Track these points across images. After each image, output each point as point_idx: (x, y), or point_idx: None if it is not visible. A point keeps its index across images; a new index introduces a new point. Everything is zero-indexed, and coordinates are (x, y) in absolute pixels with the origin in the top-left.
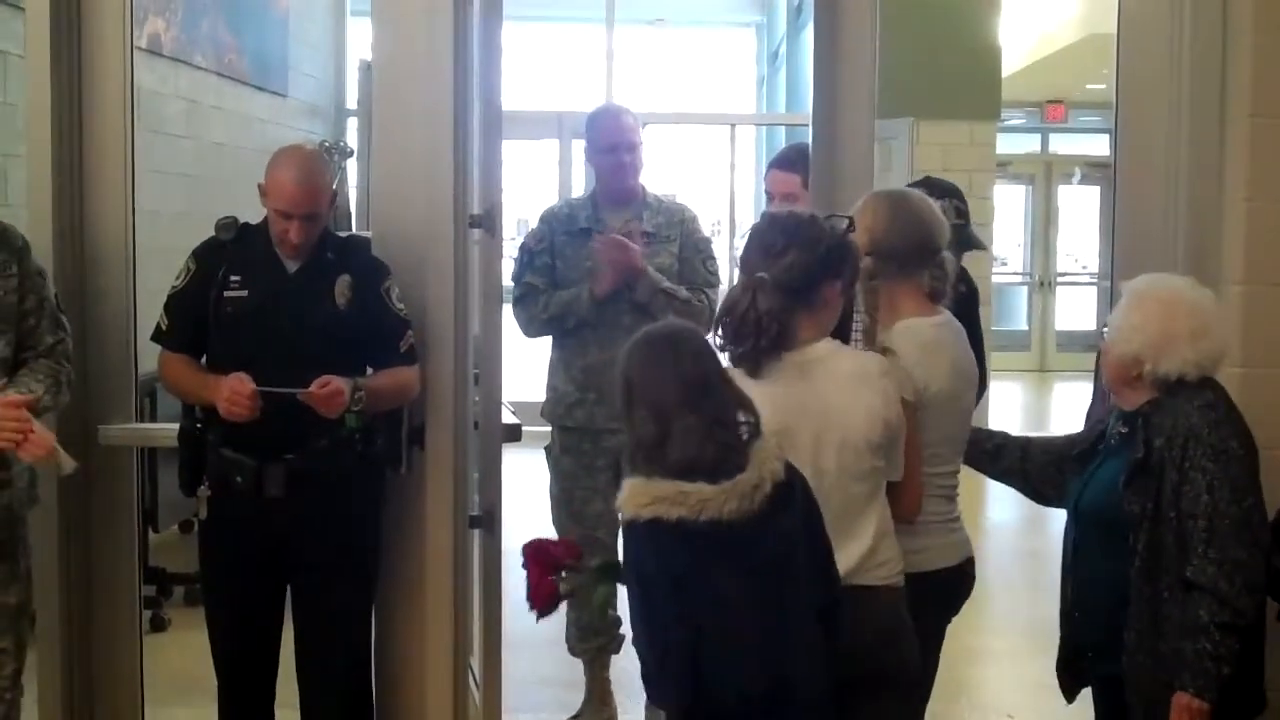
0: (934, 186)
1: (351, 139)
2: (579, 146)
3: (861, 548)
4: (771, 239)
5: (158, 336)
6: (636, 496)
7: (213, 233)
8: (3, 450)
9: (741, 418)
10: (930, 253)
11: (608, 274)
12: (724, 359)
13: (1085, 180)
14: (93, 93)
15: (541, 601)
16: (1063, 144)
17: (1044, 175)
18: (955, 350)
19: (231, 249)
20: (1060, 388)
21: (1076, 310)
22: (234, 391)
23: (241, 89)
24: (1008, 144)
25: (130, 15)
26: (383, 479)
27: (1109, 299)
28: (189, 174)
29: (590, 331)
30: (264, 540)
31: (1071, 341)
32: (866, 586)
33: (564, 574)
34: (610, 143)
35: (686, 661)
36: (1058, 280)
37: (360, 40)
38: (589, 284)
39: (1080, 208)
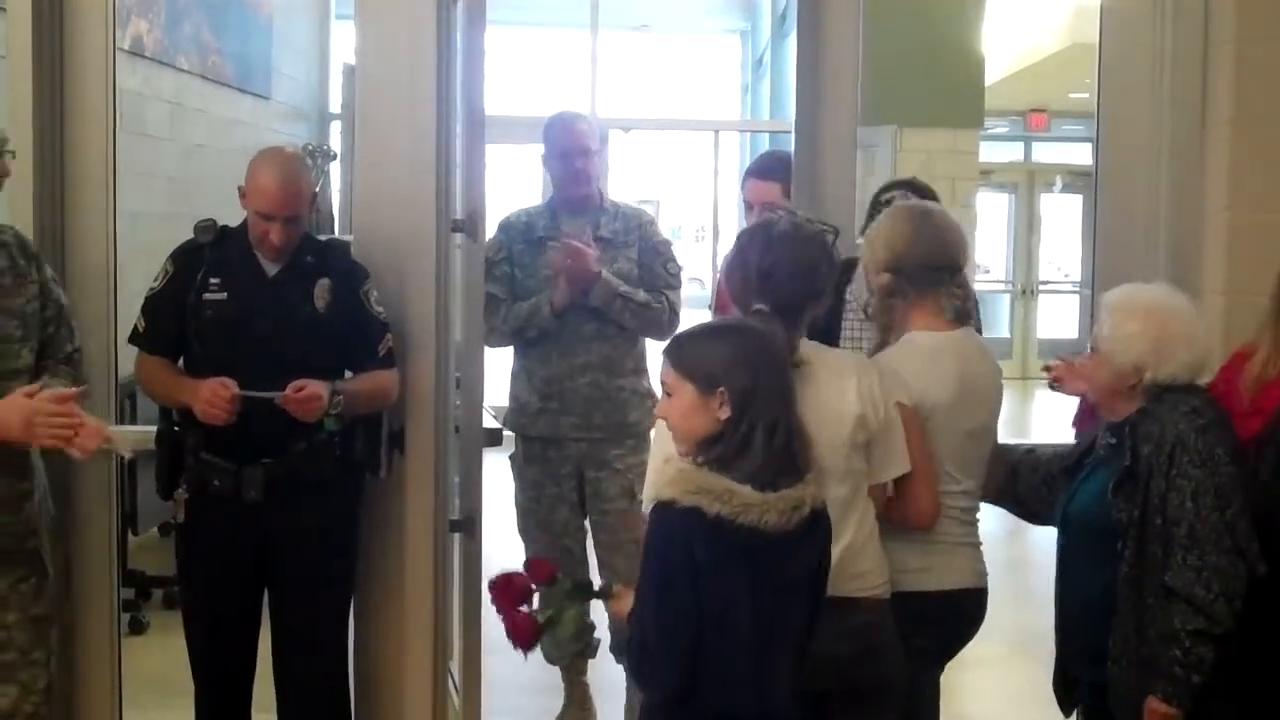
0: (916, 189)
1: (335, 142)
2: None
3: (835, 554)
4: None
5: (134, 338)
6: (682, 481)
7: (192, 235)
8: (55, 448)
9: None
10: (952, 272)
11: (564, 283)
12: None
13: (1067, 189)
14: (75, 94)
15: (523, 638)
16: (1045, 152)
17: (1026, 183)
18: (967, 365)
19: (210, 252)
20: (1042, 395)
21: (1058, 318)
22: (214, 394)
23: (224, 91)
24: (990, 152)
25: (113, 17)
26: (361, 483)
27: (1090, 307)
28: (171, 176)
29: (552, 342)
30: (242, 543)
31: (1053, 349)
32: (844, 598)
33: (536, 603)
34: (562, 148)
35: (686, 651)
36: (1040, 288)
37: (344, 43)
38: (547, 295)
39: (1062, 216)
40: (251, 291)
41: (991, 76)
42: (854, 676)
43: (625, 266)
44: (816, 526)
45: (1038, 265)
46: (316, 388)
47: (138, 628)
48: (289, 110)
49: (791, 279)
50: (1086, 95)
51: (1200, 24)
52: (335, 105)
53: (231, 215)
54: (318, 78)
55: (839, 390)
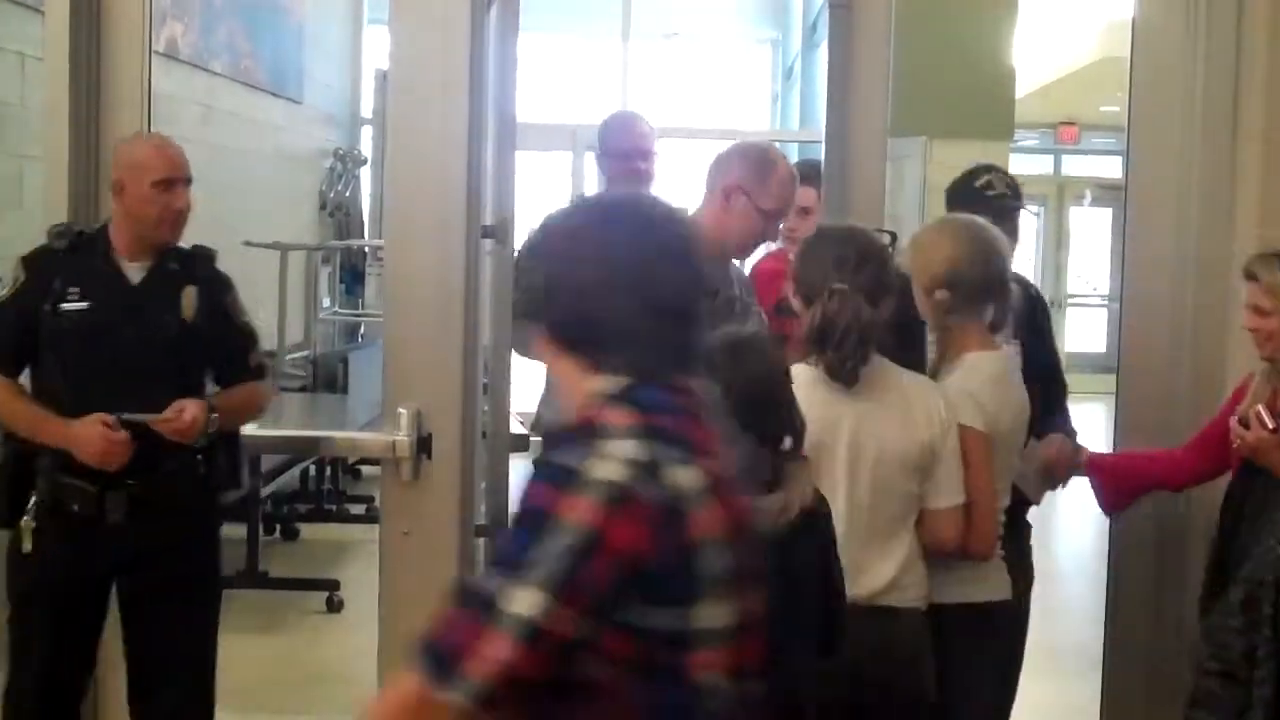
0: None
1: (366, 147)
2: (592, 159)
3: (891, 569)
4: (845, 252)
5: None
6: None
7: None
8: None
9: (786, 435)
10: (1003, 285)
11: None
12: (817, 372)
13: (1097, 202)
14: (110, 95)
15: None
16: (1075, 166)
17: (1056, 197)
18: (1019, 384)
19: (66, 258)
20: (1069, 409)
21: (1087, 332)
22: (106, 439)
23: (257, 95)
24: (1020, 165)
25: (149, 19)
26: (216, 501)
27: (1120, 321)
28: (203, 179)
29: None
30: (95, 569)
31: (1081, 363)
32: (891, 608)
33: None
34: (623, 148)
35: None
36: (1068, 301)
37: (377, 49)
38: None
39: (1092, 229)
40: (115, 300)
41: (1022, 89)
42: (897, 684)
43: None
44: (813, 523)
45: (1066, 278)
46: (195, 410)
47: None
48: (321, 115)
49: (861, 266)
50: (1117, 109)
51: (1232, 38)
52: (367, 110)
53: (256, 220)
54: (350, 83)
55: (908, 415)
